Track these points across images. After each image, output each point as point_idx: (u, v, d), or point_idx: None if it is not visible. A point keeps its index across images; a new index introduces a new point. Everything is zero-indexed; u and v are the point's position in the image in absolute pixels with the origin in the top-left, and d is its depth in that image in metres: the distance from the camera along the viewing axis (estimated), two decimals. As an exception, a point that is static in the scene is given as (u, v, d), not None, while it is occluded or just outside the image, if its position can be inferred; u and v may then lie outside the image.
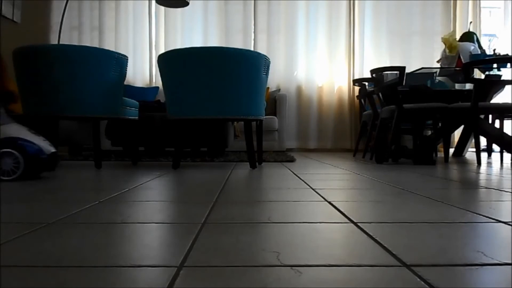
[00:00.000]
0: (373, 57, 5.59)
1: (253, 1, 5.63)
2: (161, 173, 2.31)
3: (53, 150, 2.05)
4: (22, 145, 1.95)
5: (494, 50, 3.95)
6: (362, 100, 4.40)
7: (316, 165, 3.04)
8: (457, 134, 4.84)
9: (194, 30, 5.61)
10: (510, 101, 3.30)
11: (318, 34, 5.56)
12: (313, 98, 5.62)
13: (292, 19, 5.58)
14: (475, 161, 3.05)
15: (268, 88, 5.05)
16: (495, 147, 4.63)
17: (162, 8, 5.44)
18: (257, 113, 2.72)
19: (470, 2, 5.65)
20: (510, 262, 0.69)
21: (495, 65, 3.66)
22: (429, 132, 4.36)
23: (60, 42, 4.70)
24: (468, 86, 3.87)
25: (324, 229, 0.97)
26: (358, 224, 0.99)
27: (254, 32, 5.67)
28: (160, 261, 0.72)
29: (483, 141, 4.52)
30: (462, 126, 4.08)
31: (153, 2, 5.39)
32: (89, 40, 5.50)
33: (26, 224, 0.98)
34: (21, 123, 2.12)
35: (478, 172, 2.49)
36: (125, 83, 3.00)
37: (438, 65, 4.13)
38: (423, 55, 5.56)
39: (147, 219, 1.07)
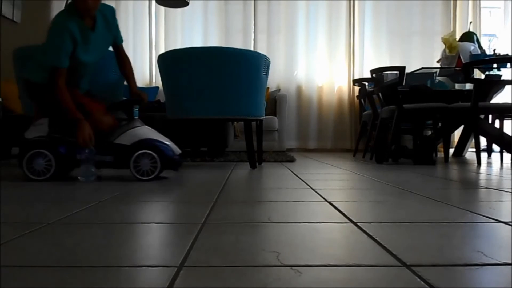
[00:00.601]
0: (373, 57, 5.59)
1: (253, 1, 5.63)
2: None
3: (179, 151, 2.08)
4: (159, 146, 1.98)
5: (494, 50, 3.94)
6: (362, 100, 4.40)
7: (316, 165, 3.04)
8: (457, 134, 4.84)
9: (194, 30, 5.61)
10: (510, 101, 3.30)
11: (318, 34, 5.56)
12: (313, 98, 5.62)
13: (292, 19, 5.58)
14: (475, 161, 3.05)
15: (268, 88, 5.04)
16: (495, 147, 4.63)
17: (162, 8, 5.43)
18: (257, 113, 2.72)
19: (470, 2, 5.65)
20: (510, 262, 0.69)
21: (495, 65, 3.66)
22: (429, 132, 4.36)
23: (60, 42, 4.69)
24: (468, 86, 3.87)
25: (324, 229, 0.97)
26: (358, 224, 0.99)
27: (254, 32, 5.67)
28: (160, 261, 0.72)
29: (483, 141, 4.52)
30: (462, 126, 4.08)
31: (153, 2, 5.39)
32: (89, 40, 5.50)
33: (26, 224, 0.98)
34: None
35: (478, 172, 2.49)
36: (125, 83, 2.99)
37: (438, 65, 4.13)
38: (423, 55, 5.55)
39: (147, 219, 1.07)
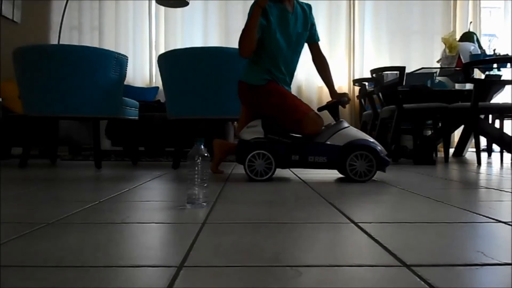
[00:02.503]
0: (373, 57, 5.58)
1: (253, 1, 5.63)
2: (161, 173, 2.31)
3: (385, 151, 2.07)
4: (373, 147, 1.97)
5: (494, 50, 3.94)
6: (362, 100, 4.39)
7: (316, 165, 3.03)
8: (457, 134, 4.84)
9: (194, 30, 5.61)
10: (510, 101, 3.30)
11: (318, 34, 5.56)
12: (313, 98, 5.62)
13: (292, 19, 5.58)
14: (475, 161, 3.05)
15: (268, 88, 5.04)
16: (495, 147, 4.63)
17: (162, 8, 5.43)
18: (257, 113, 2.72)
19: (470, 2, 5.65)
20: (510, 262, 0.69)
21: (495, 65, 3.66)
22: (429, 132, 4.35)
23: (60, 42, 4.70)
24: (468, 86, 3.87)
25: (324, 229, 0.97)
26: (358, 224, 0.99)
27: (254, 32, 5.66)
28: (160, 261, 0.72)
29: (483, 141, 4.51)
30: (462, 126, 4.08)
31: (153, 2, 5.39)
32: (89, 40, 5.50)
33: (26, 224, 0.98)
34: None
35: (478, 172, 2.49)
36: (125, 83, 2.99)
37: (438, 65, 4.12)
38: (423, 55, 5.55)
39: (147, 219, 1.07)
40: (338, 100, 2.13)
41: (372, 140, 2.03)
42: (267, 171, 1.96)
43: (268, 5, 2.03)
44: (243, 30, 2.02)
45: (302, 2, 2.23)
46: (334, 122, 2.08)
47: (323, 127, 2.04)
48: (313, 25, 2.27)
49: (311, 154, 1.98)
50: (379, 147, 2.00)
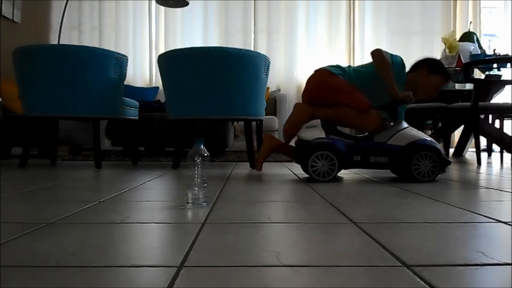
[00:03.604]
0: (373, 57, 5.59)
1: (253, 1, 5.62)
2: (161, 173, 2.31)
3: (444, 151, 2.08)
4: (436, 147, 1.98)
5: (494, 50, 3.94)
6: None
7: (316, 165, 3.03)
8: (457, 134, 4.84)
9: (194, 30, 5.61)
10: (510, 101, 3.30)
11: (318, 34, 5.56)
12: (313, 98, 5.62)
13: (292, 19, 5.58)
14: (475, 161, 3.05)
15: (268, 88, 5.04)
16: (495, 147, 4.63)
17: (162, 8, 5.43)
18: (257, 113, 2.72)
19: (470, 2, 5.65)
20: (510, 262, 0.69)
21: (495, 65, 3.66)
22: (429, 132, 4.35)
23: (60, 42, 4.70)
24: (468, 86, 3.87)
25: (324, 229, 0.97)
26: (358, 224, 0.99)
27: (254, 32, 5.66)
28: (160, 261, 0.72)
29: (483, 141, 4.51)
30: (462, 126, 4.08)
31: (153, 2, 5.39)
32: (89, 40, 5.50)
33: (26, 224, 0.98)
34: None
35: (478, 172, 2.49)
36: (125, 83, 2.99)
37: (438, 65, 4.12)
38: (423, 55, 5.55)
39: (147, 219, 1.07)
40: (399, 99, 2.09)
41: (432, 140, 2.03)
42: (330, 172, 1.94)
43: None
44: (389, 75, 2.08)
45: None
46: (392, 123, 2.07)
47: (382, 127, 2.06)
48: None
49: (373, 155, 1.98)
50: (439, 147, 2.01)
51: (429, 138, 2.02)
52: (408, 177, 1.97)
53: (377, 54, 2.17)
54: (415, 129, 2.08)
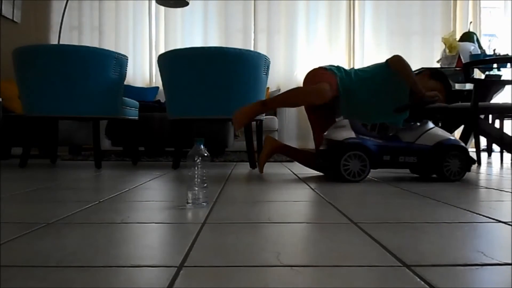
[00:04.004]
0: (373, 57, 5.58)
1: (253, 1, 5.62)
2: (161, 173, 2.31)
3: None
4: (463, 146, 2.01)
5: (494, 50, 3.94)
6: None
7: (316, 165, 3.03)
8: (457, 134, 4.84)
9: (194, 30, 5.61)
10: (510, 101, 3.30)
11: (318, 34, 5.56)
12: (312, 98, 5.61)
13: (292, 19, 5.58)
14: (475, 161, 3.05)
15: (268, 88, 5.04)
16: (495, 147, 4.63)
17: (162, 8, 5.43)
18: (257, 113, 2.71)
19: (470, 2, 5.65)
20: (510, 262, 0.69)
21: (495, 65, 3.66)
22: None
23: (60, 42, 4.70)
24: (468, 86, 3.87)
25: (324, 229, 0.97)
26: (358, 224, 0.99)
27: (254, 32, 5.66)
28: (160, 261, 0.72)
29: (483, 141, 4.51)
30: (462, 126, 4.08)
31: (153, 2, 5.38)
32: (89, 40, 5.50)
33: (26, 224, 0.98)
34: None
35: (478, 172, 2.49)
36: (125, 83, 2.99)
37: (438, 65, 4.12)
38: (423, 55, 5.55)
39: (147, 219, 1.07)
40: (425, 99, 2.09)
41: (457, 139, 2.06)
42: (361, 173, 1.93)
43: None
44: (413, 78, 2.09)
45: None
46: (419, 123, 2.08)
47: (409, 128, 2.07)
48: None
49: (402, 154, 1.98)
50: (465, 147, 2.04)
51: (453, 137, 2.05)
52: (439, 176, 2.00)
53: (398, 60, 2.14)
54: (441, 129, 2.10)
